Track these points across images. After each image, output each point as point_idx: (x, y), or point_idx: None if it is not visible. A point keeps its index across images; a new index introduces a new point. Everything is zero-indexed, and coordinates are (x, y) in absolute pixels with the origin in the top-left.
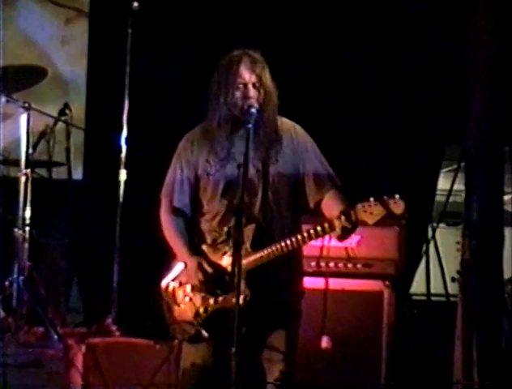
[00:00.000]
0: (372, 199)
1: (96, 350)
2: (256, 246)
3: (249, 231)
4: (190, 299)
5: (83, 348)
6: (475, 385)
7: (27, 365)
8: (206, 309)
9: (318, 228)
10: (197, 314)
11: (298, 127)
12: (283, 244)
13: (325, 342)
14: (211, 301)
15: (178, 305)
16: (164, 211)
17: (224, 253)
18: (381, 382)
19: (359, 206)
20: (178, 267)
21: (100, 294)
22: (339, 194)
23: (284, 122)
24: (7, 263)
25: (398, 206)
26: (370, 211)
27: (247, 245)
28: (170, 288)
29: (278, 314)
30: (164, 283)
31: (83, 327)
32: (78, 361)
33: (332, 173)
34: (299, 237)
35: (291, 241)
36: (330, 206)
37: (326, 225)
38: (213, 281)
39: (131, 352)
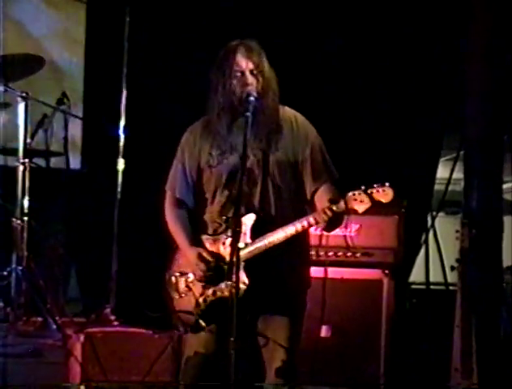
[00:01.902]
0: (363, 187)
1: (94, 340)
2: (255, 236)
3: (248, 220)
4: (191, 289)
5: (82, 337)
6: (473, 374)
7: (26, 355)
8: (205, 299)
9: (305, 223)
10: (197, 303)
11: (299, 116)
12: (277, 234)
13: (324, 331)
14: (210, 291)
15: (180, 296)
16: (168, 203)
17: (223, 243)
18: (380, 371)
19: (349, 194)
20: (180, 258)
21: (98, 284)
22: (333, 187)
23: (286, 111)
24: (6, 253)
25: (386, 194)
26: (360, 199)
27: (247, 234)
28: (173, 279)
29: (280, 303)
30: (167, 274)
31: (82, 317)
32: (77, 351)
33: (330, 164)
34: (290, 227)
35: (284, 231)
36: (322, 198)
37: (312, 219)
38: (212, 271)
39: (130, 341)
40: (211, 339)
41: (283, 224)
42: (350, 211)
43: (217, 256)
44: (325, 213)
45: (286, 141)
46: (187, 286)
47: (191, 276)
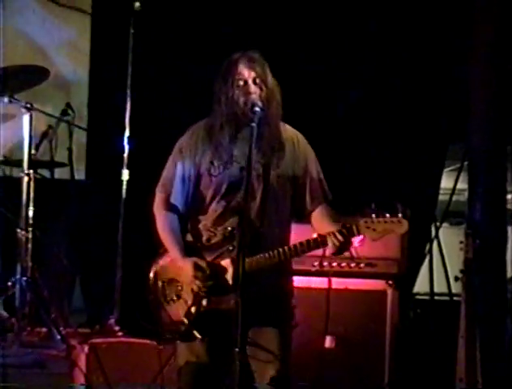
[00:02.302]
0: (374, 216)
1: (98, 350)
2: (252, 250)
3: (247, 234)
4: (181, 297)
5: (86, 348)
6: (478, 384)
7: (30, 366)
8: (198, 309)
9: (312, 242)
10: (188, 312)
11: (300, 136)
12: (279, 252)
13: (328, 342)
14: (204, 301)
15: (168, 303)
16: (160, 206)
17: (221, 254)
18: (384, 381)
19: (361, 221)
20: (168, 265)
21: (102, 294)
22: (329, 208)
23: (288, 130)
24: (10, 264)
25: (401, 225)
26: (373, 227)
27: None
28: (159, 285)
29: (269, 314)
30: (152, 279)
31: (86, 328)
32: (81, 362)
33: (326, 185)
34: (293, 248)
35: (289, 250)
36: (321, 219)
37: (319, 240)
38: (208, 281)
39: (134, 352)
40: (202, 349)
41: (277, 240)
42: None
43: (213, 267)
44: (336, 237)
45: (287, 159)
46: (177, 294)
47: (184, 286)
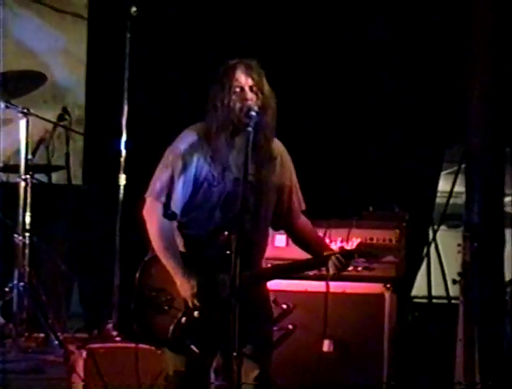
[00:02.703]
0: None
1: (96, 355)
2: (244, 261)
3: (239, 244)
4: (172, 307)
5: (84, 353)
6: (476, 387)
7: (28, 372)
8: (188, 320)
9: (312, 262)
10: (179, 323)
11: (285, 150)
12: (279, 268)
13: (326, 345)
14: (196, 313)
15: (157, 312)
16: (155, 213)
17: (216, 265)
18: (382, 385)
19: (363, 246)
20: (157, 273)
21: (100, 299)
22: (306, 219)
23: (276, 143)
24: (7, 269)
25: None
26: (371, 250)
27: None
28: (153, 293)
29: (251, 317)
30: (140, 285)
31: (84, 333)
32: (79, 367)
33: (302, 197)
34: (294, 265)
35: (290, 267)
36: (304, 232)
37: (320, 261)
38: (207, 299)
39: (132, 357)
40: (192, 358)
41: (264, 248)
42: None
43: (209, 281)
44: (338, 260)
45: (276, 172)
46: (168, 305)
47: (175, 297)
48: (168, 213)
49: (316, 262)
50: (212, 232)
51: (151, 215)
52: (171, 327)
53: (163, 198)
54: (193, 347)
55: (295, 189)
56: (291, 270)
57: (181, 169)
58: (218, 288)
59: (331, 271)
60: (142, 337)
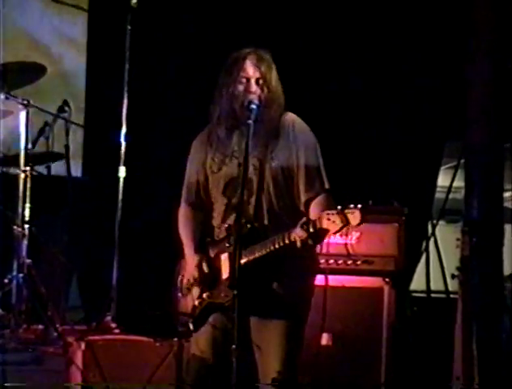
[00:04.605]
0: (339, 207)
1: (95, 348)
2: (247, 245)
3: (243, 230)
4: (190, 291)
5: (83, 345)
6: (475, 382)
7: (27, 363)
8: (201, 303)
9: (281, 240)
10: (194, 306)
11: (299, 121)
12: (268, 246)
13: (325, 339)
14: (205, 294)
15: (182, 295)
16: (182, 205)
17: (222, 250)
18: (381, 379)
19: (324, 213)
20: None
21: (99, 291)
22: (327, 199)
23: (286, 117)
24: (7, 261)
25: (354, 217)
26: (333, 219)
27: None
28: (179, 279)
29: (275, 311)
30: (177, 270)
31: (83, 325)
32: (78, 359)
33: (323, 174)
34: (270, 243)
35: (272, 243)
36: (314, 211)
37: (286, 238)
38: (209, 277)
39: (131, 349)
40: (206, 343)
41: (270, 234)
42: (323, 231)
43: (214, 262)
44: (297, 233)
45: (281, 149)
46: (188, 288)
47: (191, 279)
48: (192, 204)
49: (286, 238)
50: (219, 219)
51: (180, 212)
52: (189, 309)
53: (187, 197)
54: (191, 327)
55: (308, 162)
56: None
57: (194, 168)
58: (219, 273)
59: (300, 244)
60: (175, 320)
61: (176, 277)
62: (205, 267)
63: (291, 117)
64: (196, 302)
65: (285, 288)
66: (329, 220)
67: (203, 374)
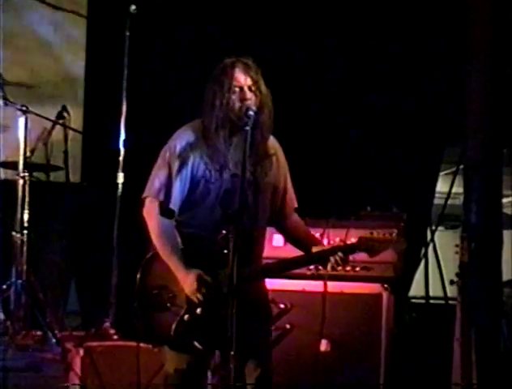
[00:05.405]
0: (373, 233)
1: (94, 354)
2: (244, 257)
3: (238, 241)
4: (174, 305)
5: (81, 351)
6: (474, 387)
7: (26, 369)
8: (191, 317)
9: (314, 257)
10: (181, 320)
11: (280, 148)
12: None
13: (324, 345)
14: (199, 310)
15: (160, 310)
16: (154, 212)
17: (217, 261)
18: (380, 385)
19: (363, 239)
20: (157, 270)
21: (98, 297)
22: (300, 219)
23: (272, 141)
24: (5, 267)
25: (400, 243)
26: (372, 244)
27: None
28: (151, 292)
29: (253, 316)
30: (142, 283)
31: (81, 331)
32: (77, 365)
33: (294, 195)
34: (294, 260)
35: (291, 262)
36: (297, 229)
37: (320, 256)
38: (210, 295)
39: (129, 355)
40: (194, 356)
41: (263, 244)
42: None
43: (214, 277)
44: (339, 255)
45: (273, 168)
46: (170, 302)
47: (178, 294)
48: (166, 211)
49: (316, 256)
50: (212, 229)
51: (151, 213)
52: (173, 325)
53: (161, 197)
54: (196, 344)
55: (289, 187)
56: (290, 265)
57: (178, 168)
58: (220, 285)
59: (329, 267)
60: (144, 335)
61: (140, 290)
62: (208, 279)
63: (274, 140)
64: (185, 317)
65: (259, 294)
66: (368, 245)
67: (189, 386)
